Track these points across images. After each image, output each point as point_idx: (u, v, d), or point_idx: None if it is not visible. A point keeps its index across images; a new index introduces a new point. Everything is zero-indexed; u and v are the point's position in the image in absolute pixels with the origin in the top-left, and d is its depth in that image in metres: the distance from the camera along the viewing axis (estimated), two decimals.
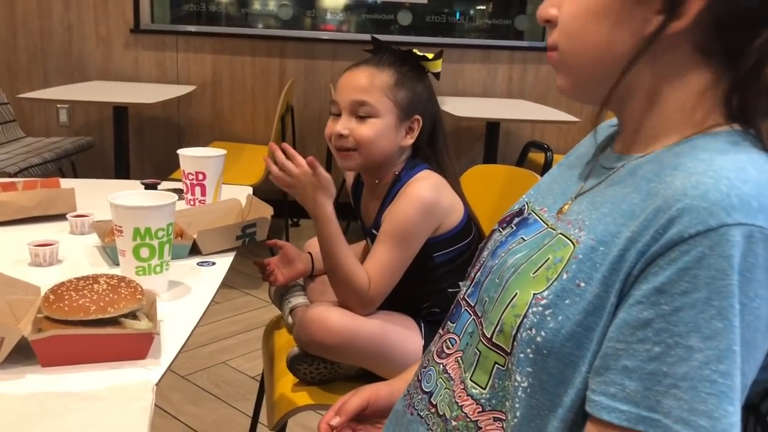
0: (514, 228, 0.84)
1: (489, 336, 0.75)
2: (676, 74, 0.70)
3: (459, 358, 0.81)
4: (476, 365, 0.77)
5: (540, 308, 0.69)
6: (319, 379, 1.39)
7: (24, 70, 4.21)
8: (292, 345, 1.43)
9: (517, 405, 0.70)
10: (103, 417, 0.69)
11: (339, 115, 1.39)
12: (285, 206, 3.69)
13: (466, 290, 0.87)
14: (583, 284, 0.67)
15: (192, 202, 1.49)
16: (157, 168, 4.25)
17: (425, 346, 1.35)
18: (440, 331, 0.89)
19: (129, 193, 1.09)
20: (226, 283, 3.69)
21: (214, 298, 1.08)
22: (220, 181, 1.50)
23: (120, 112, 3.45)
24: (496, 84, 4.42)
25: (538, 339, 0.68)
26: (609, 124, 0.87)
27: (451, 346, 0.84)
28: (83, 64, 4.21)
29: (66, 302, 0.83)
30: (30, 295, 0.93)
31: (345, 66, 1.43)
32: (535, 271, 0.72)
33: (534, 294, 0.70)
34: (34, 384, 0.79)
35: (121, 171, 3.51)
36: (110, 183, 1.89)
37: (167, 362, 0.84)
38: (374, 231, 1.41)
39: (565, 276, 0.68)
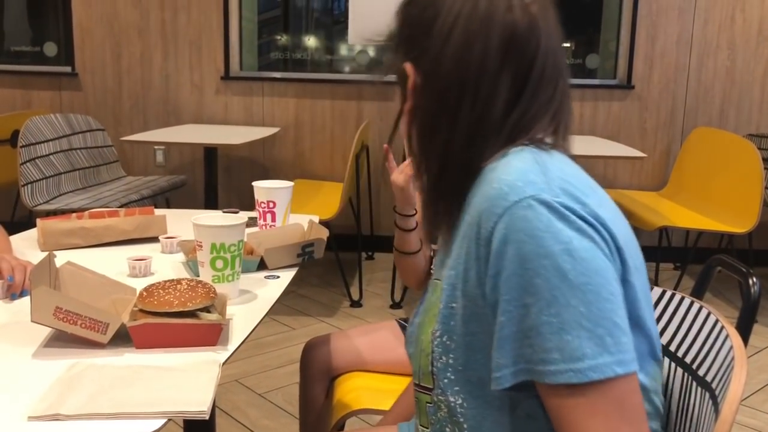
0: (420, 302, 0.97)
1: (418, 383, 0.89)
2: None
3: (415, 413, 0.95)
4: (419, 411, 0.91)
5: (438, 339, 0.82)
6: None
7: (126, 116, 4.57)
8: None
9: (462, 420, 0.82)
10: (179, 381, 0.88)
11: None
12: (359, 240, 3.86)
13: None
14: (454, 305, 0.80)
15: (264, 227, 1.67)
16: (243, 204, 4.51)
17: None
18: None
19: (209, 215, 1.31)
20: (303, 311, 3.85)
21: (277, 312, 1.27)
22: (288, 208, 1.68)
23: (210, 152, 3.66)
24: None
25: (450, 361, 0.81)
26: None
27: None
28: (178, 109, 4.53)
29: (155, 298, 1.04)
30: (128, 295, 1.15)
31: None
32: (429, 317, 0.86)
33: (431, 332, 0.84)
34: (130, 360, 0.98)
35: (210, 206, 3.69)
36: (195, 211, 2.13)
37: (233, 348, 1.02)
38: None
39: (442, 306, 0.82)
